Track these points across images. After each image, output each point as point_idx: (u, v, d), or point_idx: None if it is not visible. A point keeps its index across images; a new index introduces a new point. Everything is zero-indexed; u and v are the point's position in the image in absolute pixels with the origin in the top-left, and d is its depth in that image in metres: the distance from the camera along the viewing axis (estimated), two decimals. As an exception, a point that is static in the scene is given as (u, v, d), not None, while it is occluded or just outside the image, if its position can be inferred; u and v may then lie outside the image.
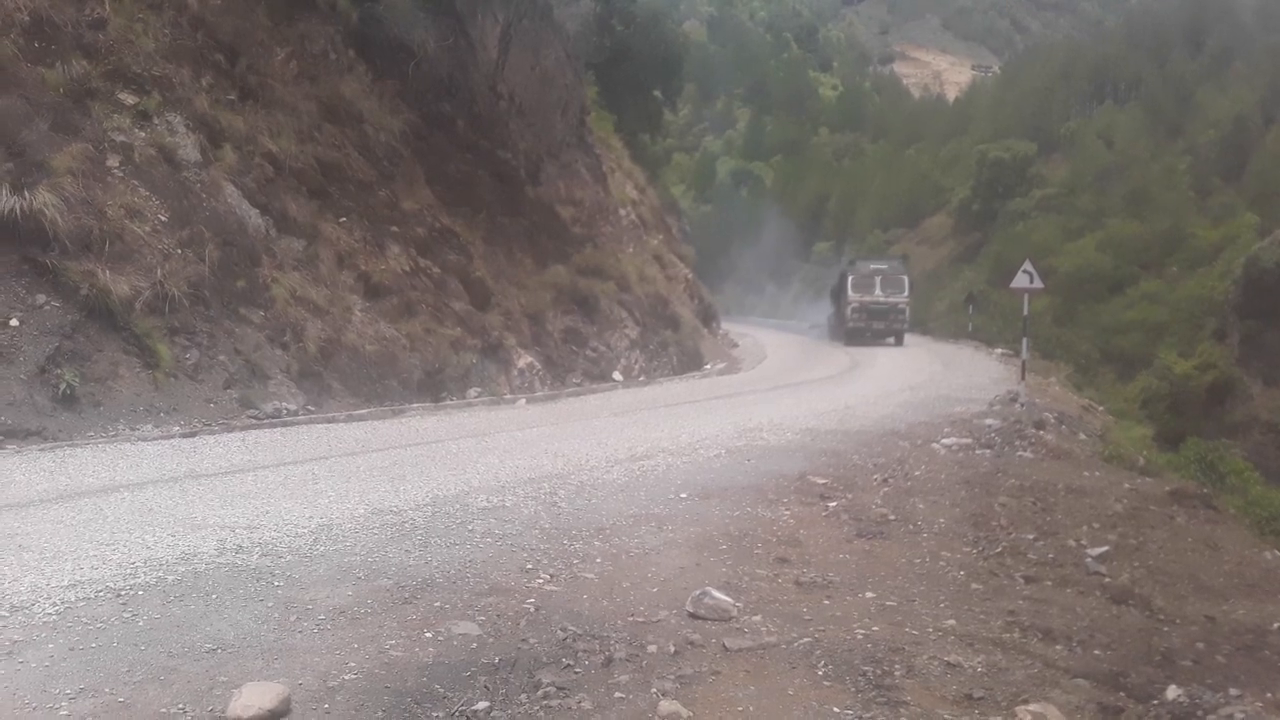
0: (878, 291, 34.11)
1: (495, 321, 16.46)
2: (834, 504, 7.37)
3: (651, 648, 4.19)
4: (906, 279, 35.26)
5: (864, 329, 34.13)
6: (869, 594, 5.17)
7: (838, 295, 37.29)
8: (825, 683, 3.91)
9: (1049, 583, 5.66)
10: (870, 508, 7.29)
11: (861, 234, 70.83)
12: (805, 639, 4.38)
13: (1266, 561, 6.72)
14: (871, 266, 36.15)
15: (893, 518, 7.01)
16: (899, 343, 33.83)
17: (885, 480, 8.41)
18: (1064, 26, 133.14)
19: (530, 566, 5.32)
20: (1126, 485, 8.84)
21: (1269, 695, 4.19)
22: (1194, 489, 9.02)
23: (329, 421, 11.39)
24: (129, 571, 4.92)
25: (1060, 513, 7.49)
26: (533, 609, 4.62)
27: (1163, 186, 54.03)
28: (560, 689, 3.70)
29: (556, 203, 22.07)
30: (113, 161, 11.26)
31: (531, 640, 4.20)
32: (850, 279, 34.94)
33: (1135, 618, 5.17)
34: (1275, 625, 5.12)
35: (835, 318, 38.20)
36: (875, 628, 4.59)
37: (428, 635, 4.19)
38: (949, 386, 18.45)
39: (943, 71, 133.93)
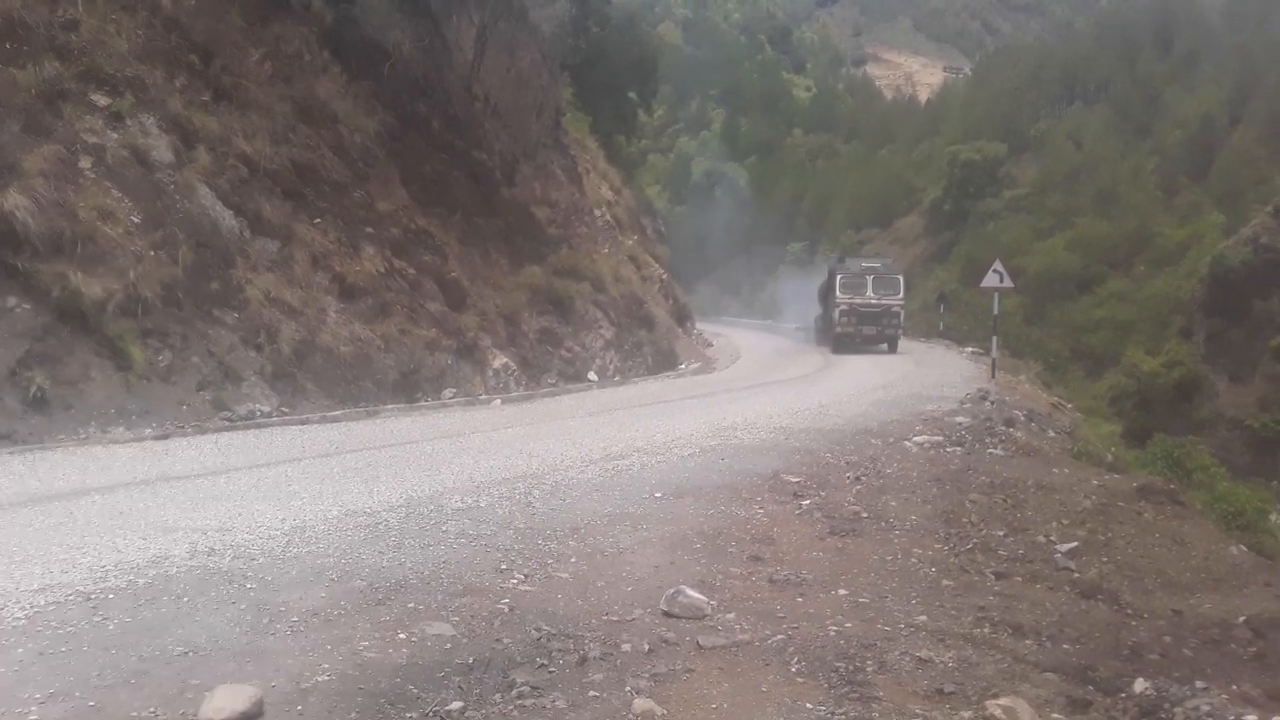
0: (869, 293, 31.00)
1: (470, 322, 16.42)
2: (807, 502, 7.42)
3: (626, 646, 4.21)
4: (901, 279, 32.27)
5: (853, 334, 31.02)
6: (841, 591, 5.21)
7: (825, 296, 34.19)
8: (798, 679, 3.94)
9: (1019, 578, 5.73)
10: (843, 505, 7.34)
11: (835, 234, 71.19)
12: (779, 636, 4.41)
13: (1232, 556, 6.82)
14: (863, 265, 33.10)
15: (865, 515, 7.06)
16: (892, 350, 30.86)
17: (858, 478, 8.47)
18: (1034, 28, 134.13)
19: (505, 567, 5.33)
20: (1095, 482, 8.94)
21: (1235, 687, 4.26)
22: (1161, 485, 9.12)
23: (303, 423, 11.34)
24: (99, 575, 4.89)
25: (1030, 509, 7.57)
26: (507, 609, 4.63)
27: (1131, 186, 54.67)
28: (535, 688, 3.71)
29: (532, 204, 22.03)
30: (85, 163, 11.15)
31: (506, 640, 4.21)
32: (839, 279, 31.67)
33: (1104, 612, 5.24)
34: (1240, 619, 5.20)
35: (823, 320, 35.15)
36: (848, 624, 4.63)
37: (401, 636, 4.19)
38: (920, 385, 18.59)
39: (915, 73, 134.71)
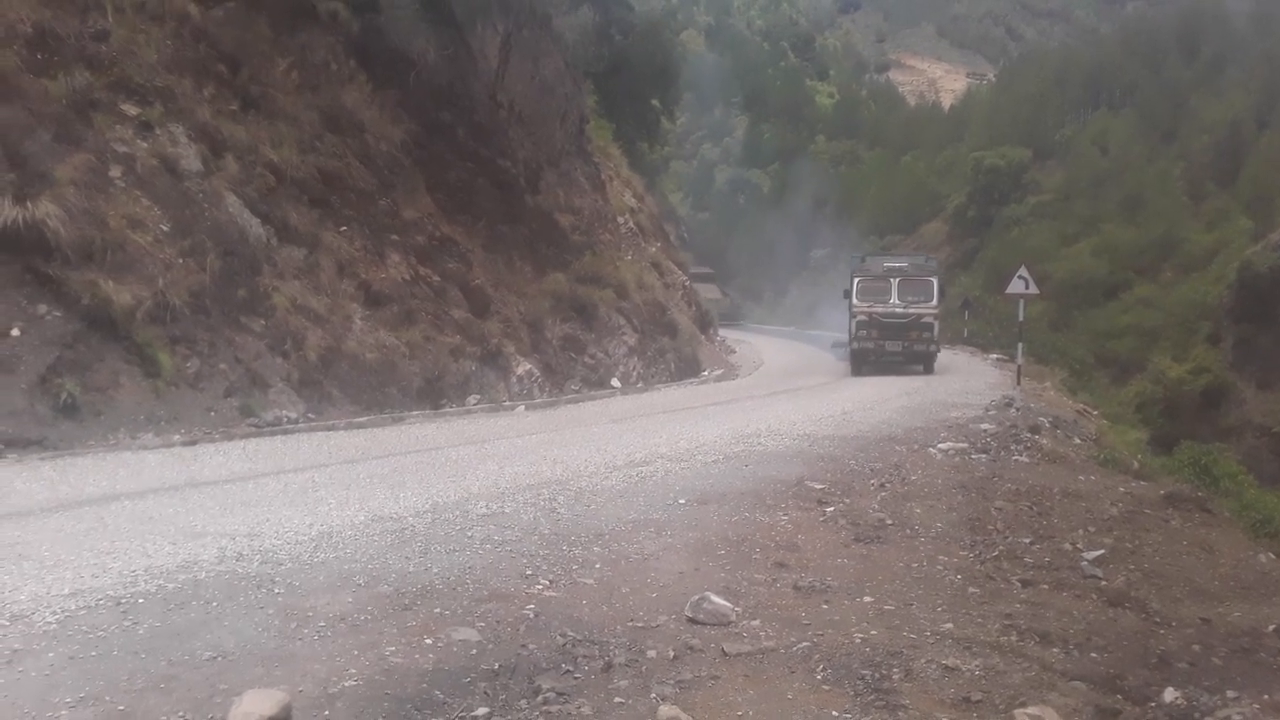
0: (894, 299, 24.51)
1: (494, 329, 16.49)
2: (831, 509, 7.38)
3: (651, 653, 4.21)
4: (935, 282, 25.21)
5: (874, 350, 24.73)
6: (867, 598, 5.18)
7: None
8: (824, 687, 3.92)
9: (1045, 586, 5.68)
10: (867, 512, 7.30)
11: (858, 240, 71.09)
12: (804, 643, 4.39)
13: (1261, 564, 6.74)
14: (886, 265, 26.34)
15: (890, 522, 7.02)
16: (928, 371, 24.66)
17: (882, 485, 8.43)
18: (1059, 34, 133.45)
19: (530, 573, 5.33)
20: (1121, 489, 8.86)
21: (1266, 697, 4.20)
22: (1189, 492, 9.03)
23: (329, 429, 11.42)
24: (129, 580, 4.93)
25: (1056, 516, 7.51)
26: (532, 615, 4.62)
27: (1157, 192, 54.36)
28: (560, 695, 3.71)
29: (556, 211, 22.12)
30: (115, 172, 11.30)
31: (531, 646, 4.21)
32: (857, 281, 25.23)
33: (1131, 620, 5.18)
34: (1270, 627, 5.14)
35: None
36: (873, 632, 4.61)
37: (428, 642, 4.20)
38: (945, 392, 18.47)
39: (938, 79, 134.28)
